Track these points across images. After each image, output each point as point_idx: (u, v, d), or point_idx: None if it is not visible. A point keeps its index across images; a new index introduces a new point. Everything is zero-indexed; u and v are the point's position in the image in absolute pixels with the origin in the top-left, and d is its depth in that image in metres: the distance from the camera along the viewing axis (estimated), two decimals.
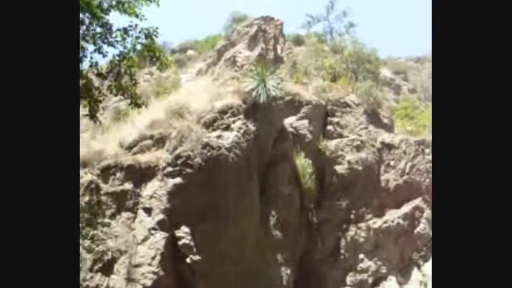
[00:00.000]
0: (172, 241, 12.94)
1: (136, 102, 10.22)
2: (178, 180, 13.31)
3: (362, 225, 16.58)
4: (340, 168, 17.07)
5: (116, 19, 9.54)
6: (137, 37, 9.62)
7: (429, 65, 38.45)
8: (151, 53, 9.89)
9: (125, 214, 13.27)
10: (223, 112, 14.63)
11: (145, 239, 12.79)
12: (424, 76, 37.77)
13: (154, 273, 12.41)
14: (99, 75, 9.69)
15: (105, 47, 9.50)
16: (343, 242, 16.31)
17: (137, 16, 9.48)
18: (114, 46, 9.60)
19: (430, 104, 29.14)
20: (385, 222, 16.79)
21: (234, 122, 14.47)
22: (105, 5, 9.23)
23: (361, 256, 16.20)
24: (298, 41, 32.57)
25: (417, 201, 17.76)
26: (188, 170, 13.36)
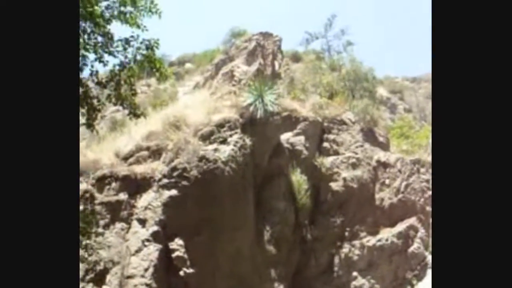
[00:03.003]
0: (165, 253, 12.86)
1: (135, 112, 10.27)
2: (173, 192, 13.28)
3: (356, 242, 16.48)
4: (335, 185, 17.01)
5: (118, 29, 9.64)
6: (138, 48, 9.72)
7: (425, 85, 38.69)
8: (151, 64, 9.96)
9: (119, 225, 13.21)
10: (220, 125, 14.64)
11: (138, 251, 12.70)
12: (420, 96, 37.96)
13: (147, 285, 12.30)
14: (98, 83, 9.75)
15: (106, 57, 9.59)
16: (336, 260, 16.19)
17: (138, 27, 9.57)
18: (114, 56, 9.68)
19: (425, 124, 29.29)
20: (379, 241, 16.71)
21: (231, 136, 14.47)
22: (107, 15, 9.31)
23: (355, 274, 16.08)
24: (296, 57, 32.81)
25: (412, 220, 17.69)
26: (184, 183, 13.33)
